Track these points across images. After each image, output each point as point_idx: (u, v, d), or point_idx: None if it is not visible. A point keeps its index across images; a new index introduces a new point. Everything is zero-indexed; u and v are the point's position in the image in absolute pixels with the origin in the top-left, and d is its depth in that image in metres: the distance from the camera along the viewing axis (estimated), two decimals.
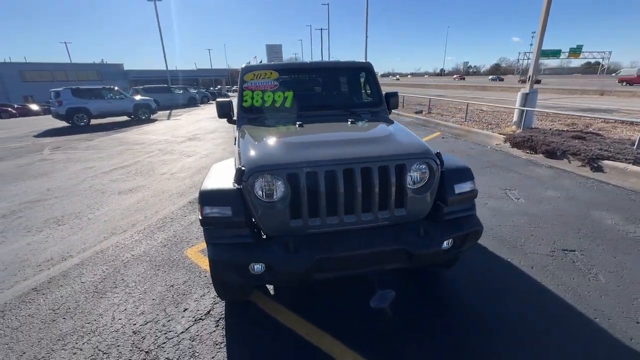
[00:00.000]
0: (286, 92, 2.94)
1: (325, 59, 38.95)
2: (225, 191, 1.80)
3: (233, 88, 77.99)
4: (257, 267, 1.69)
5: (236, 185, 1.79)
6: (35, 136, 10.82)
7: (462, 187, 2.00)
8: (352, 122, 2.48)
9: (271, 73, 2.99)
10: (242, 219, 1.74)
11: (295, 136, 2.16)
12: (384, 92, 3.17)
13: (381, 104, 3.08)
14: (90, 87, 14.04)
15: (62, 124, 13.28)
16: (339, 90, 3.26)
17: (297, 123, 2.49)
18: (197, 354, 1.83)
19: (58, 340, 1.97)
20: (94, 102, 13.24)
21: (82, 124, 13.03)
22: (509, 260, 2.65)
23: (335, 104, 2.99)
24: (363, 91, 3.22)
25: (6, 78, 38.42)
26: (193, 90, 26.81)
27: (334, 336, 1.94)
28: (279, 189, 1.75)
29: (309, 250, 1.68)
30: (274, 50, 55.19)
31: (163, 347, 1.89)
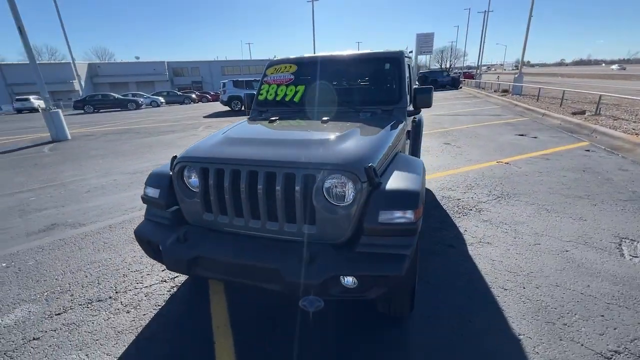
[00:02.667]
0: (298, 86, 2.88)
1: (480, 46, 33.74)
2: (161, 175, 2.00)
3: None
4: (161, 248, 1.84)
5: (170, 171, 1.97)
6: (204, 117, 14.42)
7: (390, 216, 1.50)
8: (328, 121, 2.23)
9: (290, 66, 2.98)
10: (164, 202, 1.91)
11: (245, 132, 2.14)
12: (419, 86, 2.63)
13: (400, 102, 2.59)
14: (246, 79, 17.37)
15: (226, 108, 17.11)
16: (354, 84, 2.92)
17: (273, 119, 2.44)
18: (139, 306, 2.19)
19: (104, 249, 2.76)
20: (246, 91, 16.38)
21: (237, 109, 16.40)
22: None
23: (345, 100, 2.71)
24: (388, 85, 2.77)
25: (214, 72, 52.32)
26: None
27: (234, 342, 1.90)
28: (195, 181, 1.82)
29: (193, 246, 1.69)
30: (424, 39, 51.93)
31: (126, 292, 2.35)
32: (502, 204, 3.59)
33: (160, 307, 2.20)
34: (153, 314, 2.13)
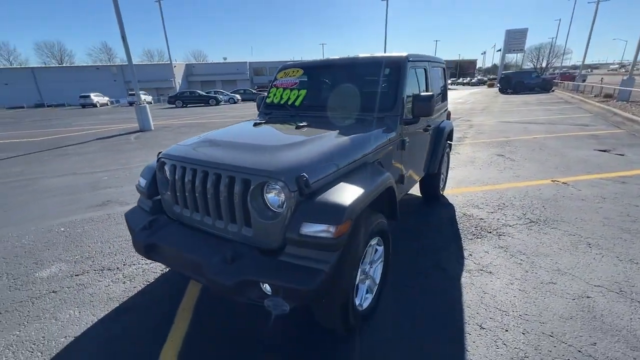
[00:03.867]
0: (301, 90, 2.94)
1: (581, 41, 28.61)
2: (151, 168, 2.27)
3: (459, 80, 73.44)
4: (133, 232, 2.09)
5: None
6: None
7: (312, 228, 1.46)
8: (303, 127, 2.24)
9: (297, 71, 3.05)
10: (147, 192, 2.17)
11: (222, 135, 2.26)
12: (417, 94, 2.45)
13: (392, 109, 2.45)
14: None
15: None
16: (352, 89, 2.82)
17: (258, 122, 2.54)
18: (134, 280, 2.53)
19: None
20: None
21: None
22: None
23: (340, 105, 2.66)
24: (384, 92, 2.62)
25: None
26: None
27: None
28: (167, 176, 2.04)
29: (153, 233, 1.89)
30: (515, 36, 46.17)
31: (130, 266, 2.73)
32: (531, 231, 3.09)
33: (149, 283, 2.51)
34: (140, 288, 2.44)
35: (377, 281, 2.06)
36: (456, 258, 2.68)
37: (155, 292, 2.41)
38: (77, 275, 2.63)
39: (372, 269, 1.99)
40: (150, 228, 1.93)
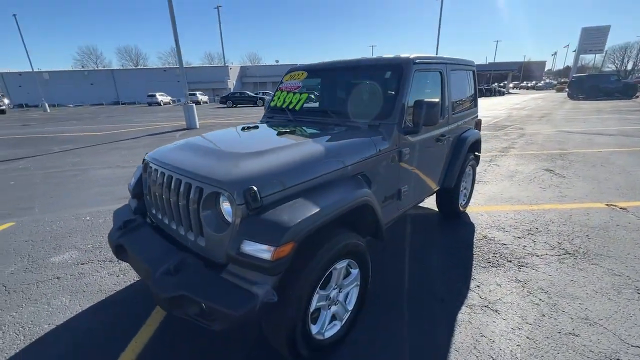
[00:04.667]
0: (302, 94, 2.82)
1: None
2: (141, 167, 2.32)
3: (522, 83, 67.17)
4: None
5: None
6: None
7: (252, 247, 1.33)
8: (284, 133, 2.12)
9: (301, 74, 2.95)
10: (131, 191, 2.22)
11: (203, 140, 2.21)
12: (419, 100, 2.19)
13: (388, 117, 2.21)
14: None
15: None
16: (351, 94, 2.61)
17: (247, 126, 2.47)
18: (127, 274, 2.63)
19: None
20: None
21: None
22: None
23: (336, 111, 2.49)
24: (383, 97, 2.39)
25: None
26: None
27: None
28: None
29: (123, 234, 1.91)
30: (593, 34, 40.58)
31: None
32: (563, 265, 2.59)
33: (139, 279, 2.58)
34: (130, 283, 2.52)
35: (350, 308, 1.86)
36: (460, 288, 2.34)
37: (140, 288, 2.47)
38: (82, 264, 2.82)
39: (341, 294, 1.79)
40: (124, 228, 1.96)
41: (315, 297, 1.56)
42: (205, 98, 39.06)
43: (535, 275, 2.47)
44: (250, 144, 2.02)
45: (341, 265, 1.69)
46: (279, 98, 3.03)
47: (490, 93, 35.19)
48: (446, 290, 2.32)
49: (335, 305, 1.77)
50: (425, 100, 2.14)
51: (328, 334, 1.73)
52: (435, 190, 3.04)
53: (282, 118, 2.82)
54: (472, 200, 4.00)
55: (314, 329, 1.63)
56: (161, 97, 36.94)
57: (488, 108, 18.92)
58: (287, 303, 1.41)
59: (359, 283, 1.88)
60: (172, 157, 1.89)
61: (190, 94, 36.77)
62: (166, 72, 53.15)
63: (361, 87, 2.59)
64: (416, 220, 3.54)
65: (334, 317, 1.79)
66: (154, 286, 1.46)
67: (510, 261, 2.67)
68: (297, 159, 1.68)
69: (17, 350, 1.87)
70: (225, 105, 29.12)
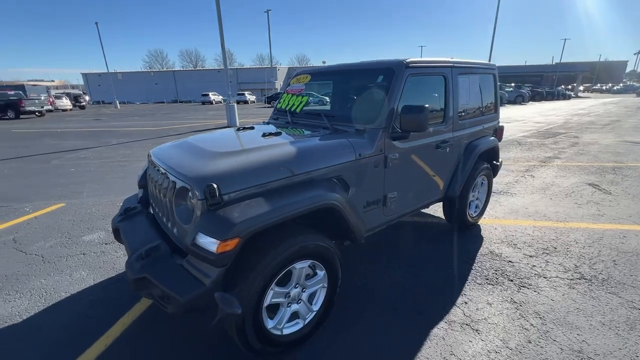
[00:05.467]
0: (304, 97, 2.91)
1: None
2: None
3: (595, 86, 59.78)
4: None
5: None
6: None
7: (203, 240, 1.44)
8: (269, 135, 2.21)
9: (306, 77, 3.03)
10: (138, 181, 2.48)
11: (199, 139, 2.37)
12: (408, 105, 2.15)
13: (373, 122, 2.20)
14: None
15: None
16: (344, 98, 2.61)
17: (243, 127, 2.60)
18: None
19: None
20: None
21: None
22: None
23: (329, 114, 2.52)
24: (371, 102, 2.36)
25: None
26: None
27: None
28: None
29: (122, 219, 2.16)
30: None
31: None
32: (573, 290, 2.34)
33: None
34: None
35: (315, 308, 1.89)
36: (444, 302, 2.24)
37: None
38: (106, 244, 3.20)
39: (304, 294, 1.83)
40: (124, 214, 2.22)
41: (270, 293, 1.63)
42: (253, 98, 40.96)
43: (535, 298, 2.26)
44: (230, 144, 2.14)
45: (302, 265, 1.74)
46: (284, 100, 3.14)
47: (553, 96, 31.90)
48: (428, 303, 2.24)
49: (297, 303, 1.82)
50: (412, 105, 2.09)
51: (287, 331, 1.79)
52: (438, 198, 2.91)
53: (283, 120, 2.93)
54: (489, 212, 3.74)
55: (270, 323, 1.70)
56: (213, 97, 39.55)
57: (544, 113, 17.23)
58: (238, 295, 1.50)
59: (325, 285, 1.91)
60: (166, 153, 2.09)
61: (239, 94, 38.99)
62: (219, 73, 56.64)
63: (354, 91, 2.59)
64: (421, 228, 3.42)
65: (296, 316, 1.84)
66: (126, 267, 1.65)
67: (512, 280, 2.48)
68: (265, 161, 1.76)
69: (35, 312, 2.22)
70: (270, 105, 30.24)
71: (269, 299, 1.64)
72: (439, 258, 2.82)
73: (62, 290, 2.46)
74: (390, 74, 2.27)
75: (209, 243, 1.43)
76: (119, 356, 1.84)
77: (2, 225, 3.66)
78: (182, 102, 51.09)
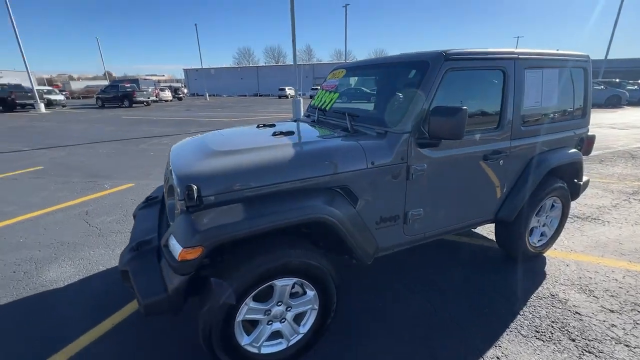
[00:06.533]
0: (335, 94, 2.70)
1: None
2: None
3: None
4: None
5: None
6: None
7: (171, 243, 1.38)
8: (279, 134, 2.07)
9: (341, 72, 2.81)
10: (165, 173, 2.60)
11: (212, 137, 2.32)
12: (440, 106, 1.79)
13: (397, 124, 1.87)
14: None
15: None
16: (372, 96, 2.27)
17: (261, 125, 2.49)
18: None
19: None
20: None
21: None
22: None
23: (354, 113, 2.25)
24: (399, 100, 2.01)
25: None
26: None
27: None
28: None
29: (142, 207, 2.27)
30: None
31: None
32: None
33: None
34: None
35: (302, 330, 1.71)
36: (468, 351, 1.81)
37: None
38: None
39: (289, 313, 1.65)
40: (145, 202, 2.34)
41: (244, 308, 1.50)
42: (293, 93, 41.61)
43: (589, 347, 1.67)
44: (233, 143, 2.03)
45: (285, 282, 1.56)
46: (318, 97, 2.96)
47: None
48: (445, 347, 1.84)
49: (281, 322, 1.65)
50: (446, 106, 1.70)
51: (267, 350, 1.64)
52: (486, 220, 2.40)
53: (313, 117, 2.76)
54: (562, 242, 2.98)
55: (245, 339, 1.57)
56: (289, 91, 41.35)
57: None
58: (207, 304, 1.41)
59: (316, 307, 1.70)
60: (177, 148, 2.11)
61: (313, 88, 39.97)
62: (298, 68, 59.04)
63: (382, 88, 2.26)
64: (464, 250, 2.89)
65: (278, 335, 1.68)
66: (120, 257, 1.71)
67: (573, 340, 1.88)
68: (256, 163, 1.62)
69: (73, 281, 2.51)
70: None
71: (242, 314, 1.51)
72: (476, 290, 2.33)
73: (101, 263, 2.74)
74: (424, 67, 1.90)
75: (174, 248, 1.36)
76: (125, 335, 1.95)
77: (84, 198, 4.33)
78: (261, 95, 54.81)
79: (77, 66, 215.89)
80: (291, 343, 1.69)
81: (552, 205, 2.63)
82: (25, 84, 20.52)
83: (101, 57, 48.12)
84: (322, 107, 2.69)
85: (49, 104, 22.42)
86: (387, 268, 2.61)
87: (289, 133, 2.09)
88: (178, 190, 1.49)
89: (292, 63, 12.88)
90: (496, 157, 2.15)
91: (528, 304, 2.20)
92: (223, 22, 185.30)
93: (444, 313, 2.11)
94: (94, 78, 74.87)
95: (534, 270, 2.58)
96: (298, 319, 1.72)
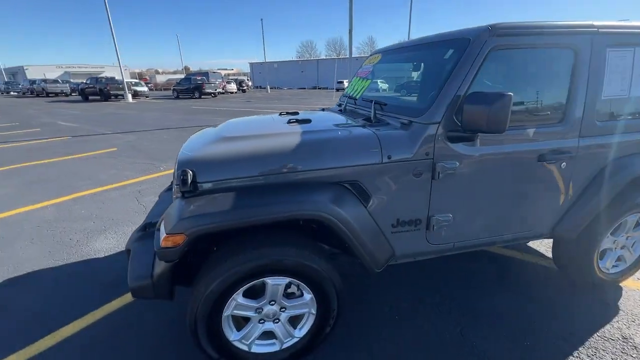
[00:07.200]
0: (367, 81, 2.48)
1: None
2: None
3: None
4: None
5: None
6: None
7: (161, 229, 1.35)
8: (293, 122, 1.93)
9: (376, 57, 2.57)
10: None
11: (237, 121, 2.27)
12: (478, 92, 1.49)
13: (424, 113, 1.59)
14: None
15: None
16: (403, 82, 1.96)
17: (283, 112, 2.37)
18: None
19: None
20: None
21: None
22: None
23: (383, 101, 1.99)
24: (429, 85, 1.72)
25: None
26: None
27: None
28: None
29: (166, 190, 2.34)
30: None
31: None
32: None
33: None
34: None
35: (298, 334, 1.58)
36: None
37: None
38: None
39: (283, 314, 1.53)
40: (171, 185, 2.42)
41: (232, 303, 1.42)
42: (385, 86, 40.20)
43: None
44: (244, 130, 1.94)
45: (277, 282, 1.44)
46: (352, 85, 2.76)
47: None
48: None
49: (274, 322, 1.54)
50: (484, 92, 1.39)
51: (258, 349, 1.55)
52: (540, 234, 1.97)
53: (343, 106, 2.57)
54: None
55: (234, 335, 1.50)
56: (347, 83, 40.96)
57: None
58: (194, 293, 1.37)
59: (313, 312, 1.55)
60: (192, 137, 2.11)
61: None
62: (357, 60, 58.07)
63: (414, 72, 1.96)
64: (515, 270, 2.45)
65: (271, 335, 1.57)
66: (130, 235, 1.76)
67: None
68: (256, 150, 1.51)
69: (109, 254, 2.73)
70: None
71: (230, 309, 1.43)
72: (519, 319, 1.93)
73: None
74: (463, 45, 1.58)
75: (161, 234, 1.33)
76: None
77: (141, 178, 4.76)
78: (319, 88, 55.28)
79: (162, 61, 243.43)
80: (285, 345, 1.58)
81: (637, 224, 2.06)
82: (119, 77, 23.70)
83: (180, 52, 53.25)
84: (353, 96, 2.48)
85: (135, 94, 25.56)
86: (414, 277, 2.34)
87: (305, 121, 1.94)
88: (175, 174, 1.47)
89: (353, 56, 12.59)
90: (557, 158, 1.73)
91: (587, 344, 1.75)
92: (290, 15, 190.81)
93: (474, 343, 1.79)
94: (174, 72, 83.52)
95: (603, 303, 2.07)
96: (294, 321, 1.59)
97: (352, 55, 13.73)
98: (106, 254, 2.70)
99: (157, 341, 1.81)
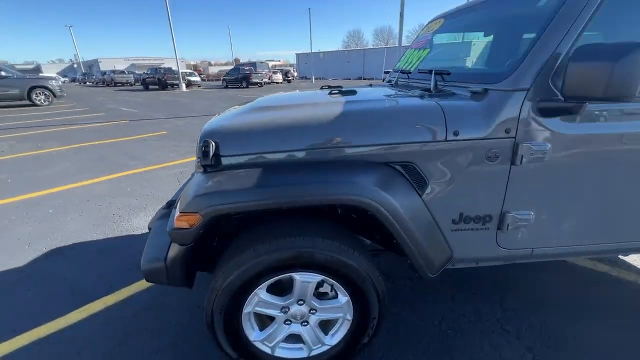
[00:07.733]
0: (424, 51, 2.11)
1: None
2: None
3: None
4: None
5: None
6: None
7: (178, 208, 1.17)
8: (336, 93, 1.65)
9: (438, 22, 2.18)
10: None
11: (267, 99, 2.04)
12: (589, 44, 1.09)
13: (506, 78, 1.22)
14: None
15: None
16: (477, 45, 1.55)
17: (325, 86, 2.08)
18: None
19: None
20: None
21: None
22: None
23: (446, 71, 1.62)
24: (512, 45, 1.31)
25: None
26: None
27: None
28: None
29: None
30: None
31: None
32: None
33: None
34: None
35: (329, 342, 1.33)
36: None
37: None
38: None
39: (313, 316, 1.29)
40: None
41: (254, 299, 1.21)
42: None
43: None
44: (281, 100, 1.70)
45: (306, 278, 1.20)
46: (405, 57, 2.40)
47: None
48: None
49: (302, 325, 1.31)
50: (603, 43, 0.99)
51: (282, 353, 1.34)
52: None
53: (395, 81, 2.23)
54: None
55: (256, 334, 1.29)
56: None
57: None
58: (211, 283, 1.19)
59: (349, 319, 1.29)
60: (230, 109, 1.94)
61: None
62: (403, 49, 55.50)
63: (492, 32, 1.54)
64: (605, 289, 1.95)
65: (298, 339, 1.35)
66: (155, 214, 1.64)
67: None
68: (292, 120, 1.26)
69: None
70: None
71: (252, 305, 1.23)
72: (614, 358, 1.49)
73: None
74: None
75: (175, 212, 1.16)
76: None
77: (184, 160, 4.85)
78: (364, 79, 53.94)
79: (215, 54, 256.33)
80: (313, 353, 1.34)
81: None
82: (175, 68, 25.22)
83: (230, 44, 55.36)
84: (407, 69, 2.13)
85: (189, 84, 27.06)
86: (473, 284, 1.96)
87: (350, 92, 1.65)
88: (197, 147, 1.28)
89: (403, 45, 11.89)
90: None
91: None
92: (338, 2, 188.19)
93: None
94: (226, 64, 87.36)
95: None
96: (326, 326, 1.35)
97: (402, 44, 12.93)
98: (142, 232, 2.70)
99: (176, 328, 1.69)
